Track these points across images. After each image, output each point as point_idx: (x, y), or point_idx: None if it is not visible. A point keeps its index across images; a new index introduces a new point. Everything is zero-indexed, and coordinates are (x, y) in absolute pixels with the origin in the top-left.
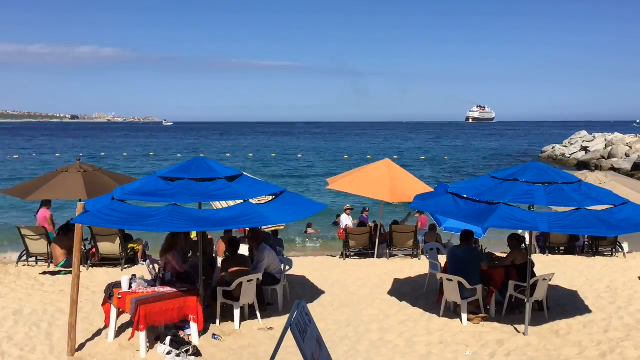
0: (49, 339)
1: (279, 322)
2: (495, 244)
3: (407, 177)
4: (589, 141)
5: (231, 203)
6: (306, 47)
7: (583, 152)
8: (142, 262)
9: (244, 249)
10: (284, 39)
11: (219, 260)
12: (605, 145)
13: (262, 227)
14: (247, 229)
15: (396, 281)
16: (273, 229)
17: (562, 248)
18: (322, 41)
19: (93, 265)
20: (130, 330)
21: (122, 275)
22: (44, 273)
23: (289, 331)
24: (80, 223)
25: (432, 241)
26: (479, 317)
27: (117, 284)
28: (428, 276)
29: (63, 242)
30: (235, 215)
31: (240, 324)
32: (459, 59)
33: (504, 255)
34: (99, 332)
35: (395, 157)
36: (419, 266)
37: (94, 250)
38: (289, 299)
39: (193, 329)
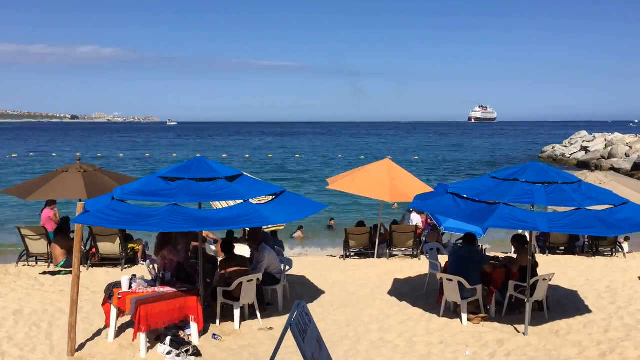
0: (49, 339)
1: (279, 322)
2: (500, 244)
3: (407, 177)
4: (589, 141)
5: (231, 203)
6: (306, 47)
7: (583, 152)
8: (142, 262)
9: (244, 250)
10: (284, 39)
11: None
12: (605, 145)
13: (262, 227)
14: (247, 229)
15: (396, 281)
16: (273, 229)
17: (562, 248)
18: (322, 41)
19: (93, 265)
20: (130, 330)
21: (122, 275)
22: (44, 273)
23: (289, 331)
24: (80, 223)
25: (433, 241)
26: (479, 317)
27: (117, 284)
28: (428, 276)
29: (63, 242)
30: (235, 215)
31: (240, 324)
32: (459, 59)
33: (503, 255)
34: (99, 332)
35: (390, 157)
36: (419, 266)
37: (94, 250)
38: (289, 299)
39: (193, 329)
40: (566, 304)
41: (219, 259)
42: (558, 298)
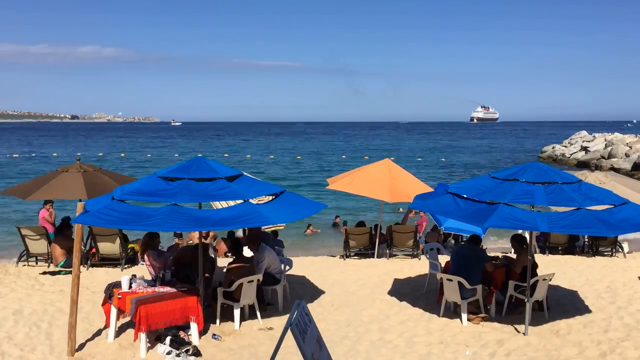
0: (49, 339)
1: (279, 322)
2: (502, 245)
3: (407, 177)
4: (589, 141)
5: (231, 203)
6: (306, 47)
7: (583, 152)
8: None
9: (244, 250)
10: (284, 39)
11: (219, 260)
12: (605, 145)
13: (262, 227)
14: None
15: (396, 281)
16: (273, 229)
17: (562, 248)
18: (322, 41)
19: (93, 265)
20: (130, 330)
21: (122, 275)
22: (44, 273)
23: (289, 331)
24: (80, 223)
25: (433, 241)
26: (479, 317)
27: (117, 284)
28: (428, 276)
29: (63, 242)
30: (235, 215)
31: (240, 324)
32: (459, 58)
33: (502, 255)
34: (99, 332)
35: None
36: (419, 266)
37: (93, 250)
38: (289, 299)
39: (193, 329)
40: (566, 304)
41: (219, 259)
42: (558, 298)
